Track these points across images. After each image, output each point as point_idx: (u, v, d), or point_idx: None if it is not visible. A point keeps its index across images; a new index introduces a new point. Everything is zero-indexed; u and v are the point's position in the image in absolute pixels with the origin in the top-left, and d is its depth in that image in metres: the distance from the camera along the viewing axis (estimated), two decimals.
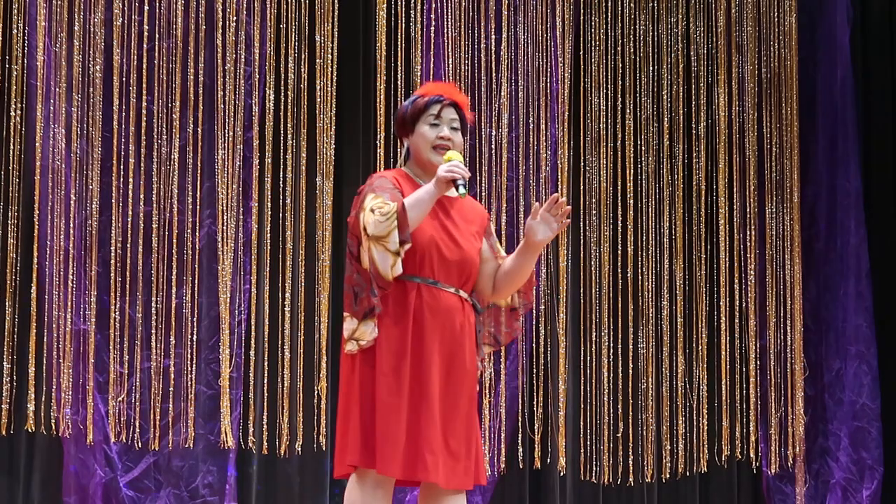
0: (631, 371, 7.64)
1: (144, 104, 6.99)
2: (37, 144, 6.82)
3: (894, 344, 7.94)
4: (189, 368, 6.95)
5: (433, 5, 7.38)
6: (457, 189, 4.52)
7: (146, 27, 7.00)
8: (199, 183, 7.04)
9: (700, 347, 7.74)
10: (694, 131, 7.84)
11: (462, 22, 7.44)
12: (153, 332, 6.93)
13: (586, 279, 7.62)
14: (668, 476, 7.66)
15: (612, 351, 7.62)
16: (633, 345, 7.66)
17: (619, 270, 7.67)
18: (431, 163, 4.67)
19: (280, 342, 7.09)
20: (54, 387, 6.78)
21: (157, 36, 7.02)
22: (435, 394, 4.53)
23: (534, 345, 7.48)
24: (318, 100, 7.21)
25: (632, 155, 7.73)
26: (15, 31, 6.84)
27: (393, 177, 4.67)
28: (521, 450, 7.39)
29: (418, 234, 4.55)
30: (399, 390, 4.49)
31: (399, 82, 7.25)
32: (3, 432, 6.73)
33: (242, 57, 7.11)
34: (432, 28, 7.37)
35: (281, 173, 7.15)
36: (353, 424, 4.53)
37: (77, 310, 6.83)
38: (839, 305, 7.89)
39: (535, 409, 7.45)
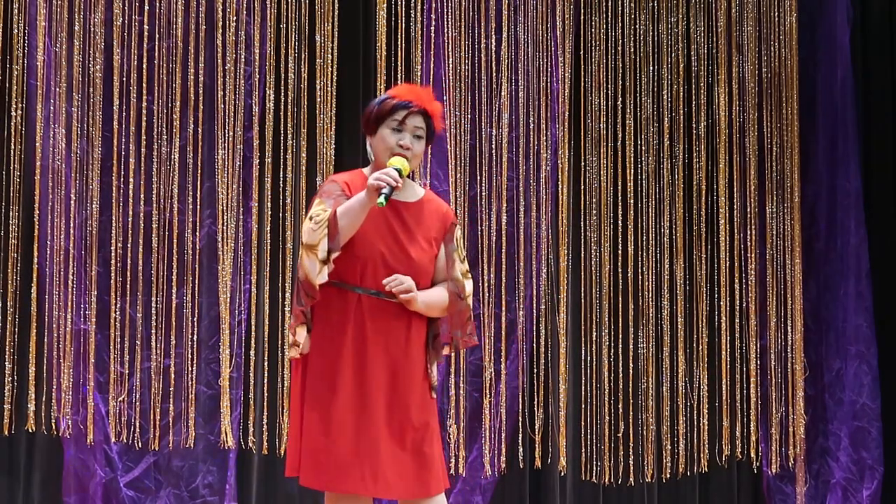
0: (631, 371, 7.64)
1: (144, 104, 7.00)
2: (37, 144, 6.83)
3: (894, 344, 7.94)
4: (189, 368, 6.95)
5: (433, 5, 7.38)
6: (378, 196, 4.43)
7: (146, 27, 7.01)
8: (199, 183, 7.04)
9: (700, 347, 7.74)
10: (694, 131, 7.84)
11: (462, 22, 7.44)
12: (153, 332, 6.94)
13: (586, 279, 7.62)
14: (668, 476, 7.66)
15: (612, 351, 7.62)
16: (633, 345, 7.66)
17: (619, 270, 7.67)
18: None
19: (280, 342, 7.09)
20: (54, 387, 6.78)
21: (157, 36, 7.02)
22: (378, 406, 4.49)
23: (534, 345, 7.48)
24: (318, 100, 7.22)
25: (632, 155, 7.73)
26: (15, 31, 6.84)
27: (344, 181, 4.61)
28: (521, 450, 7.39)
29: (362, 244, 4.50)
30: (331, 403, 4.47)
31: (399, 82, 7.25)
32: (4, 432, 6.74)
33: (242, 57, 7.12)
34: (432, 28, 7.37)
35: (281, 173, 7.16)
36: (295, 433, 4.54)
37: (77, 310, 6.84)
38: (839, 305, 7.89)
39: (535, 409, 7.45)
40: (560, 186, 7.56)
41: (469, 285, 4.71)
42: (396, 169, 4.49)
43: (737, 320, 7.81)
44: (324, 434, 4.45)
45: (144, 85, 7.00)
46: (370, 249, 4.52)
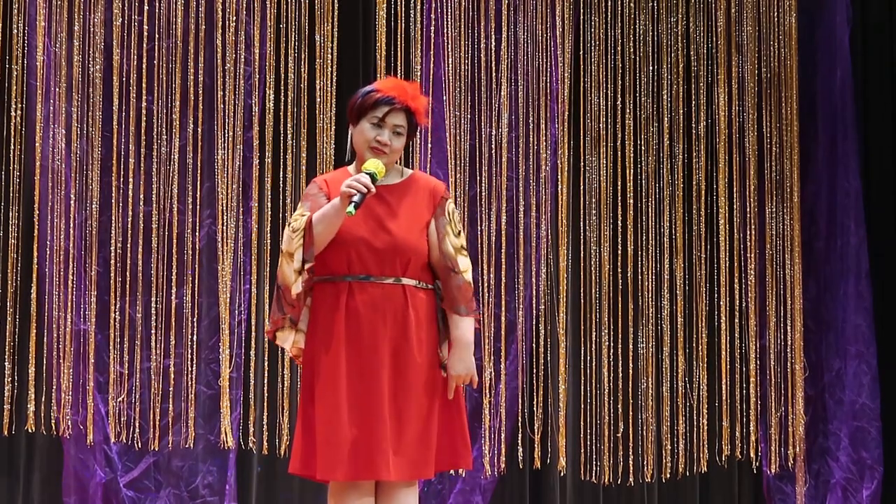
0: (631, 371, 7.64)
1: (144, 104, 6.99)
2: (37, 144, 6.83)
3: (894, 344, 7.94)
4: (189, 368, 6.95)
5: (433, 5, 7.38)
6: (349, 204, 4.43)
7: (146, 27, 7.01)
8: (199, 183, 7.04)
9: (700, 347, 7.74)
10: (694, 131, 7.84)
11: (462, 22, 7.44)
12: (153, 332, 6.94)
13: (586, 279, 7.62)
14: (668, 476, 7.66)
15: (612, 351, 7.62)
16: (633, 345, 7.66)
17: (619, 270, 7.67)
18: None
19: None
20: (54, 387, 6.78)
21: (157, 36, 7.02)
22: (383, 390, 4.50)
23: (534, 345, 7.47)
24: (318, 100, 7.22)
25: (632, 155, 7.73)
26: (15, 31, 6.84)
27: (324, 180, 4.63)
28: (521, 450, 7.39)
29: (345, 233, 4.51)
30: (336, 394, 4.47)
31: None
32: (4, 432, 6.74)
33: (242, 57, 7.12)
34: (432, 28, 7.37)
35: (281, 173, 7.16)
36: (298, 432, 4.56)
37: (77, 310, 6.84)
38: (839, 305, 7.89)
39: (535, 409, 7.45)
40: (560, 186, 7.56)
41: (463, 261, 4.65)
42: (369, 173, 4.49)
43: (737, 320, 7.81)
44: (330, 426, 4.46)
45: (144, 85, 7.00)
46: (353, 236, 4.53)
